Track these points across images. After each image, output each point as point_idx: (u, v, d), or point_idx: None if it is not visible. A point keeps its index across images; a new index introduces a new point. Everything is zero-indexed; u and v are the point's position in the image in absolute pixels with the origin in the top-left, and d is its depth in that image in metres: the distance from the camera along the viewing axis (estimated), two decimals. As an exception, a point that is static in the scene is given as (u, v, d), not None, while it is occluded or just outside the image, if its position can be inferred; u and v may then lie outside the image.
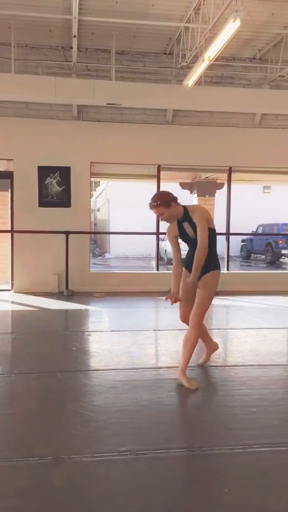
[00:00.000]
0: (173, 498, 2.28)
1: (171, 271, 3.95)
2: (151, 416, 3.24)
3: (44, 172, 8.75)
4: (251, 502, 2.27)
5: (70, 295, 8.45)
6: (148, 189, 9.55)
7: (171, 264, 4.02)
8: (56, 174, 8.78)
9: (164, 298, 3.84)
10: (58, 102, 8.60)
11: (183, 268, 3.91)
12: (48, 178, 8.78)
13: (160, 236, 9.58)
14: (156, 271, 9.61)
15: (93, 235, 24.49)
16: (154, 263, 9.91)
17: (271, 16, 7.44)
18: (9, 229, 8.97)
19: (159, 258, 9.88)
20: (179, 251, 3.92)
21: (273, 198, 22.02)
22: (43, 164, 8.70)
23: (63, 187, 8.82)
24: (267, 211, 20.69)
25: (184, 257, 3.94)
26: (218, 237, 3.98)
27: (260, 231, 19.13)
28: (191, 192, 13.90)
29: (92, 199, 24.88)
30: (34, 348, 5.01)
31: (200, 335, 3.99)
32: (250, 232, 18.46)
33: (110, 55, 8.32)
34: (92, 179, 9.99)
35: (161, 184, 9.27)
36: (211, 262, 3.80)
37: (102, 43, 8.39)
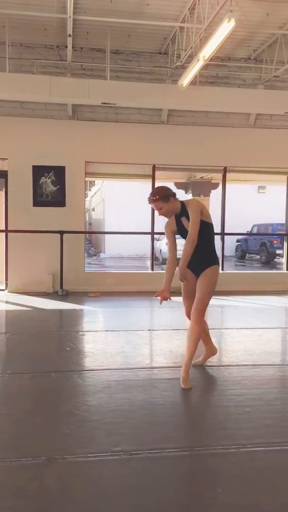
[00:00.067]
0: (167, 498, 2.27)
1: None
2: (145, 416, 3.24)
3: (38, 171, 8.72)
4: (245, 502, 2.26)
5: (64, 295, 8.43)
6: (143, 188, 9.55)
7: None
8: (50, 174, 8.76)
9: (154, 295, 3.81)
10: (53, 101, 8.57)
11: None
12: (43, 178, 8.75)
13: (155, 236, 9.57)
14: (151, 271, 9.61)
15: (88, 234, 24.46)
16: (149, 263, 9.91)
17: (266, 16, 7.46)
18: (3, 228, 8.92)
19: (154, 258, 9.88)
20: (175, 248, 3.92)
21: (268, 198, 22.04)
22: (38, 164, 8.68)
23: (58, 186, 8.80)
24: (262, 211, 20.74)
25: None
26: (213, 237, 3.98)
27: (255, 231, 19.21)
28: (186, 192, 13.94)
29: (87, 199, 24.86)
30: (28, 348, 4.99)
31: (201, 334, 3.99)
32: (245, 232, 18.52)
33: (105, 54, 8.32)
34: (87, 179, 9.97)
35: (156, 183, 9.27)
36: (211, 257, 3.82)
37: (97, 42, 8.38)
